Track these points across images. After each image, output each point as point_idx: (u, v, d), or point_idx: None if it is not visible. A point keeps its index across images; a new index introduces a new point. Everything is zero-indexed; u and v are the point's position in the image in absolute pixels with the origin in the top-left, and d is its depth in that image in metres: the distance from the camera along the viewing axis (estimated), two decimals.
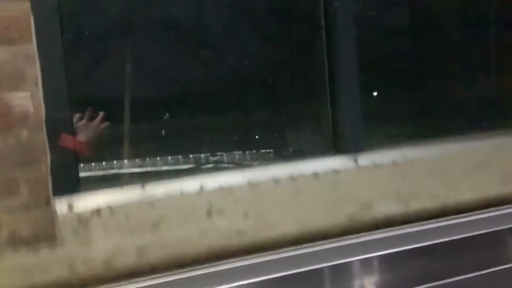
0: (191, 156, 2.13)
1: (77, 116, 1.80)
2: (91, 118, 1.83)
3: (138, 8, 1.84)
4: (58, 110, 1.31)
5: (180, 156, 2.16)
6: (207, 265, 1.30)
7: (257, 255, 1.33)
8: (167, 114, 2.02)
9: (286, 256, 1.32)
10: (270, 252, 1.33)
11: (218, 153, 2.26)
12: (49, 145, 1.24)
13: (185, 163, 2.24)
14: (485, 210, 1.42)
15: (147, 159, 2.03)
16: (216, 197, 1.31)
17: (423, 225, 1.36)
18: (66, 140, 1.79)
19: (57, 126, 1.30)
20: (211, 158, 2.34)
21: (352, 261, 1.32)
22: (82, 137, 1.80)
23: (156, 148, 2.00)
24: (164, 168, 2.19)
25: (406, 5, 2.24)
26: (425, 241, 1.34)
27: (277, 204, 1.35)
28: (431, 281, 1.33)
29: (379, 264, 1.33)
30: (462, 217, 1.39)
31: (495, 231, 1.40)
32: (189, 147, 2.06)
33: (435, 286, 1.33)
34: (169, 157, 2.19)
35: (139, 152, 1.95)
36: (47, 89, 1.23)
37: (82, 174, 1.51)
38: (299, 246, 1.31)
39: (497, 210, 1.42)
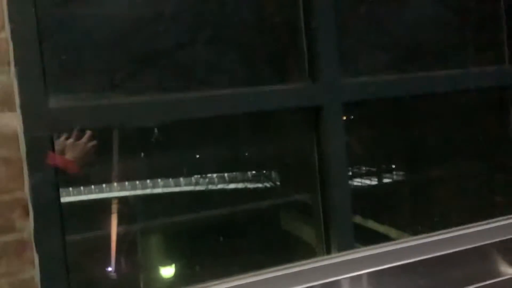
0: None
1: (64, 135, 1.81)
2: (79, 137, 1.84)
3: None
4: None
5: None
6: None
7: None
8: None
9: None
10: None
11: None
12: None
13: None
14: (469, 225, 1.43)
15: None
16: None
17: (406, 242, 1.37)
18: (54, 159, 1.80)
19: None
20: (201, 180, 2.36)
21: (338, 280, 1.33)
22: (70, 156, 1.80)
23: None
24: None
25: None
26: (409, 258, 1.34)
27: None
28: None
29: (365, 281, 1.33)
30: (445, 233, 1.39)
31: (480, 246, 1.40)
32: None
33: None
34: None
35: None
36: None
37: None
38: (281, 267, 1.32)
39: (481, 225, 1.43)
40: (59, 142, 1.81)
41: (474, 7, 2.28)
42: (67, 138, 1.81)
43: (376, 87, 1.74)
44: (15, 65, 1.26)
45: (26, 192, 1.27)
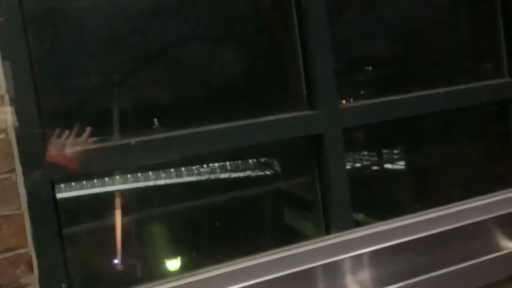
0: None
1: (65, 132, 1.82)
2: (79, 134, 1.85)
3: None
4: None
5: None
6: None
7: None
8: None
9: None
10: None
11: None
12: None
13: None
14: (468, 200, 1.42)
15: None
16: None
17: (405, 220, 1.37)
18: (55, 157, 1.81)
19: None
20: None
21: (336, 260, 1.33)
22: (70, 153, 1.81)
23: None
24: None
25: None
26: (408, 236, 1.35)
27: None
28: (416, 276, 1.34)
29: (364, 261, 1.34)
30: (444, 209, 1.39)
31: (480, 221, 1.40)
32: None
33: (421, 280, 1.34)
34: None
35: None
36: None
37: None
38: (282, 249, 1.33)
39: (481, 200, 1.42)
40: (60, 139, 1.82)
41: (471, 20, 2.25)
42: (66, 136, 1.83)
43: (376, 111, 1.72)
44: None
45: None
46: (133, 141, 1.49)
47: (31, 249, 1.27)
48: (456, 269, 1.36)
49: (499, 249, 1.40)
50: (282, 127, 1.61)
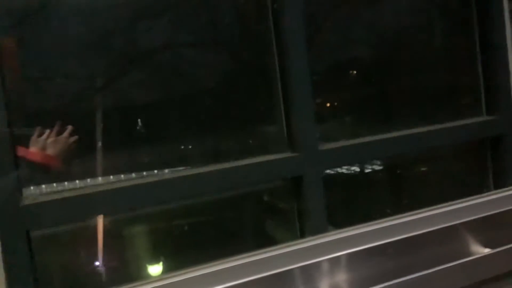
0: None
1: (45, 130, 1.83)
2: (60, 132, 1.85)
3: None
4: None
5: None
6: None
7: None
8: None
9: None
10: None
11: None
12: None
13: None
14: (440, 205, 1.42)
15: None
16: None
17: (374, 225, 1.36)
18: (36, 155, 1.81)
19: None
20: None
21: (306, 265, 1.33)
22: (51, 151, 1.82)
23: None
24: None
25: None
26: (377, 241, 1.34)
27: None
28: (386, 281, 1.33)
29: (334, 265, 1.33)
30: (416, 214, 1.39)
31: (451, 225, 1.40)
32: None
33: (392, 284, 1.34)
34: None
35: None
36: None
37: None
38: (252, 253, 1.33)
39: (452, 205, 1.42)
40: (40, 139, 1.83)
41: (448, 56, 2.23)
42: (48, 134, 1.84)
43: (355, 152, 1.75)
44: None
45: None
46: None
47: None
48: (427, 274, 1.36)
49: (470, 254, 1.40)
50: (263, 169, 1.63)
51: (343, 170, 2.29)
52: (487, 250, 1.40)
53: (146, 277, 1.91)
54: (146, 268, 1.95)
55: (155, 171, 1.93)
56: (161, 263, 1.92)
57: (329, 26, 2.08)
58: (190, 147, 2.10)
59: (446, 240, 1.39)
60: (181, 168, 2.09)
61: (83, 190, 1.46)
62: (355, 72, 2.21)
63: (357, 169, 2.28)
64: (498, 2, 1.95)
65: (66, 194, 1.43)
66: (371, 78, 2.20)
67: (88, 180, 1.95)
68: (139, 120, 2.01)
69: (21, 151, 1.76)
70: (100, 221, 1.89)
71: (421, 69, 2.18)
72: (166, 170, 1.93)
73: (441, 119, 1.95)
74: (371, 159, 1.80)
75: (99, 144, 1.99)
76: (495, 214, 1.41)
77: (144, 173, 1.92)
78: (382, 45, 2.19)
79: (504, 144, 1.99)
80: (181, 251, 2.03)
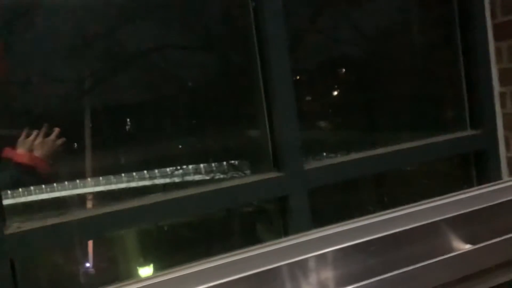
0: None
1: (32, 132, 1.83)
2: (47, 135, 1.86)
3: None
4: None
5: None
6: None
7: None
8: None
9: None
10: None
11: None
12: None
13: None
14: (421, 202, 1.43)
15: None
16: None
17: (356, 222, 1.37)
18: (23, 157, 1.82)
19: None
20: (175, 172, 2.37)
21: (290, 263, 1.34)
22: (38, 153, 1.82)
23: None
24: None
25: None
26: (360, 238, 1.35)
27: None
28: (370, 277, 1.34)
29: (316, 264, 1.34)
30: (397, 211, 1.40)
31: (432, 222, 1.41)
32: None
33: (374, 282, 1.35)
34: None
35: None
36: None
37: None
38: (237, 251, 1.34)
39: (433, 202, 1.43)
40: (27, 140, 1.83)
41: (431, 70, 2.24)
42: (35, 135, 1.84)
43: (340, 169, 1.76)
44: None
45: None
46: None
47: None
48: (409, 270, 1.37)
49: (452, 250, 1.41)
50: (250, 190, 1.66)
51: None
52: (468, 246, 1.41)
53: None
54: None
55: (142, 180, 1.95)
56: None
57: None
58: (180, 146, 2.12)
59: (428, 237, 1.40)
60: (170, 168, 2.10)
61: (66, 217, 1.44)
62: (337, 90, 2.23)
63: None
64: (481, 18, 1.96)
65: (50, 222, 1.41)
66: (354, 95, 2.23)
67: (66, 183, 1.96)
68: (128, 120, 2.02)
69: (8, 153, 1.77)
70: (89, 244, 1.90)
71: (405, 83, 2.19)
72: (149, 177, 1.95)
73: (426, 132, 1.96)
74: (357, 177, 1.82)
75: (87, 145, 2.00)
76: (476, 210, 1.43)
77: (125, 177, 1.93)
78: (366, 61, 2.21)
79: (487, 159, 1.99)
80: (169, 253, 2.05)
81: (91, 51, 1.95)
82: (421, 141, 1.88)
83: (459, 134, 1.97)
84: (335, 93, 2.28)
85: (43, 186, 2.02)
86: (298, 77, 1.88)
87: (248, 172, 2.29)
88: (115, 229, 1.55)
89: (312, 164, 1.73)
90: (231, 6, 1.95)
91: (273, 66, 1.66)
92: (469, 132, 1.99)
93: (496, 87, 1.96)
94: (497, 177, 1.96)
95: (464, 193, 1.45)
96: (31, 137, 1.84)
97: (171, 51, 2.01)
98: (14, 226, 1.35)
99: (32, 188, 1.98)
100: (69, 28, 1.89)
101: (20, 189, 1.93)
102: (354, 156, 1.79)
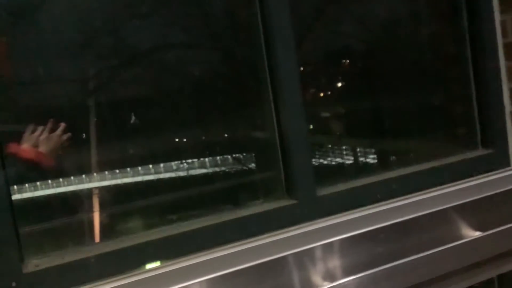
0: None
1: (38, 128, 1.83)
2: (53, 130, 1.85)
3: None
4: None
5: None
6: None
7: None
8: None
9: None
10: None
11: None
12: None
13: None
14: (429, 190, 1.42)
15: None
16: None
17: (365, 210, 1.37)
18: (26, 152, 1.82)
19: None
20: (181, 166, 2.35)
21: (298, 252, 1.34)
22: (43, 148, 1.82)
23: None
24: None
25: None
26: (369, 226, 1.35)
27: None
28: (378, 266, 1.34)
29: (324, 252, 1.34)
30: (405, 199, 1.40)
31: (441, 209, 1.40)
32: None
33: (383, 269, 1.34)
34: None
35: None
36: None
37: None
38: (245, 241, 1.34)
39: (441, 189, 1.43)
40: (32, 136, 1.83)
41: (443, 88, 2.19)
42: (41, 131, 1.84)
43: (353, 195, 1.63)
44: None
45: None
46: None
47: None
48: (418, 258, 1.37)
49: (461, 238, 1.41)
50: (264, 219, 1.54)
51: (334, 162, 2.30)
52: (478, 233, 1.41)
53: None
54: None
55: None
56: None
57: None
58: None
59: (437, 224, 1.39)
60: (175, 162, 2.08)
61: (83, 254, 1.40)
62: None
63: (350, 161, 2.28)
64: (492, 37, 1.92)
65: (67, 259, 1.36)
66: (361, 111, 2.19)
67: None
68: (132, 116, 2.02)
69: (13, 148, 1.77)
70: None
71: (416, 101, 2.14)
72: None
73: (437, 153, 1.89)
74: (371, 203, 1.71)
75: (93, 141, 2.00)
76: (484, 197, 1.42)
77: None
78: (377, 76, 2.17)
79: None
80: None
81: (96, 47, 1.95)
82: (434, 163, 1.76)
83: (471, 154, 1.87)
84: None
85: (49, 181, 2.01)
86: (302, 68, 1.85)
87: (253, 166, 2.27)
88: (135, 265, 1.48)
89: (325, 190, 1.62)
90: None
91: (280, 61, 1.60)
92: (481, 151, 1.92)
93: (508, 106, 1.93)
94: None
95: (473, 180, 1.44)
96: (37, 133, 1.83)
97: (176, 46, 2.01)
98: (32, 264, 1.33)
99: (38, 183, 1.98)
100: (74, 23, 1.89)
101: (26, 185, 1.93)
102: (367, 180, 1.69)
